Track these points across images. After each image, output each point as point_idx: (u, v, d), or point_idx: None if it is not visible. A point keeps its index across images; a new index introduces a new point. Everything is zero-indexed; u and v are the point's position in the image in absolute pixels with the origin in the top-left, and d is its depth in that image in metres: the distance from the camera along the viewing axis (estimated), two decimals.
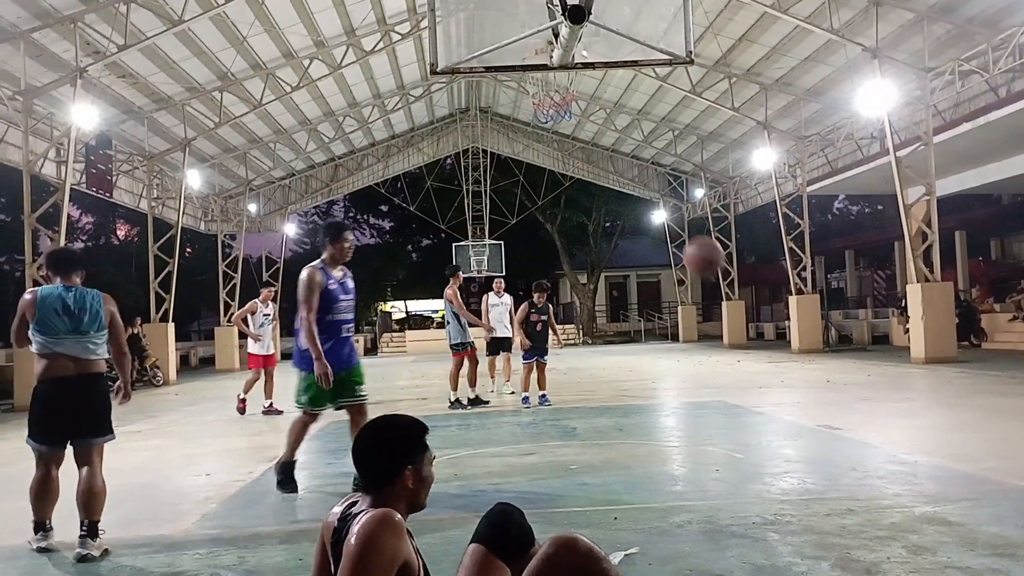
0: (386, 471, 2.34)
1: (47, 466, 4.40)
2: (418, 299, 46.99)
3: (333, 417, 9.84)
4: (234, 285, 25.42)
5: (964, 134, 15.83)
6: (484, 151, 29.95)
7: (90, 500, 4.30)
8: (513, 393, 11.42)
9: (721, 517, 4.35)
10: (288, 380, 10.96)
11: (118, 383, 4.73)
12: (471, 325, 10.75)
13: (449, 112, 28.56)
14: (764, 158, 20.93)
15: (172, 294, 19.69)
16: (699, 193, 27.69)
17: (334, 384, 5.32)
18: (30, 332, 4.41)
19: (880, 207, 40.59)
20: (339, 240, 5.51)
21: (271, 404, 10.72)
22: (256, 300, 11.08)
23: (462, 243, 30.20)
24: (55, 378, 4.37)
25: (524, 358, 10.33)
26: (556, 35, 6.02)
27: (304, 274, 5.37)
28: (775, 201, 21.64)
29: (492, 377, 12.18)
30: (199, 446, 8.28)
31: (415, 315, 47.77)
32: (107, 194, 18.24)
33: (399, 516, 2.22)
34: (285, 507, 5.40)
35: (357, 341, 6.90)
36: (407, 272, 44.62)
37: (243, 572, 3.82)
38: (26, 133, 13.73)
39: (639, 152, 28.48)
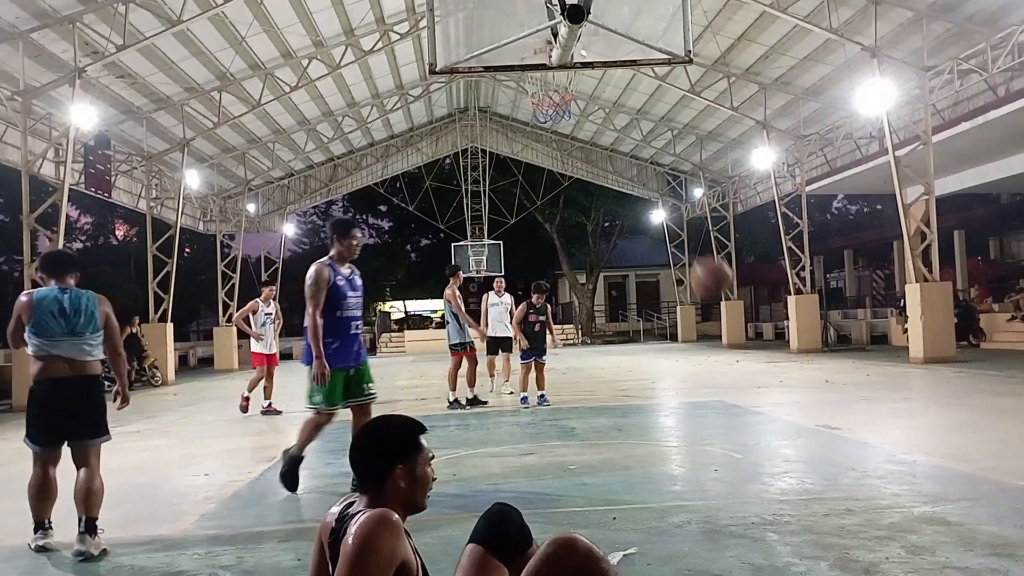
0: (376, 470, 2.34)
1: (44, 466, 4.41)
2: (417, 299, 46.98)
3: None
4: (233, 285, 25.42)
5: (963, 133, 15.84)
6: (483, 151, 29.94)
7: (88, 498, 4.31)
8: (512, 393, 11.42)
9: (720, 517, 4.35)
10: (288, 380, 11.03)
11: (116, 388, 4.73)
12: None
13: (448, 112, 28.56)
14: (763, 157, 20.94)
15: (171, 294, 19.68)
16: (698, 193, 27.70)
17: (344, 381, 5.30)
18: (26, 335, 4.42)
19: (879, 206, 40.65)
20: (347, 237, 5.46)
21: (270, 404, 10.72)
22: (257, 300, 11.07)
23: (461, 243, 30.21)
24: (51, 379, 4.38)
25: (522, 358, 10.34)
26: (555, 35, 6.01)
27: (312, 270, 5.34)
28: (774, 201, 21.66)
29: (492, 376, 12.18)
30: (198, 446, 8.28)
31: (414, 315, 47.76)
32: (106, 194, 18.23)
33: (396, 516, 2.22)
34: (284, 507, 5.39)
35: None
36: (406, 272, 44.62)
37: (242, 572, 3.81)
38: (25, 133, 13.73)
39: (638, 152, 28.49)
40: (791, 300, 20.96)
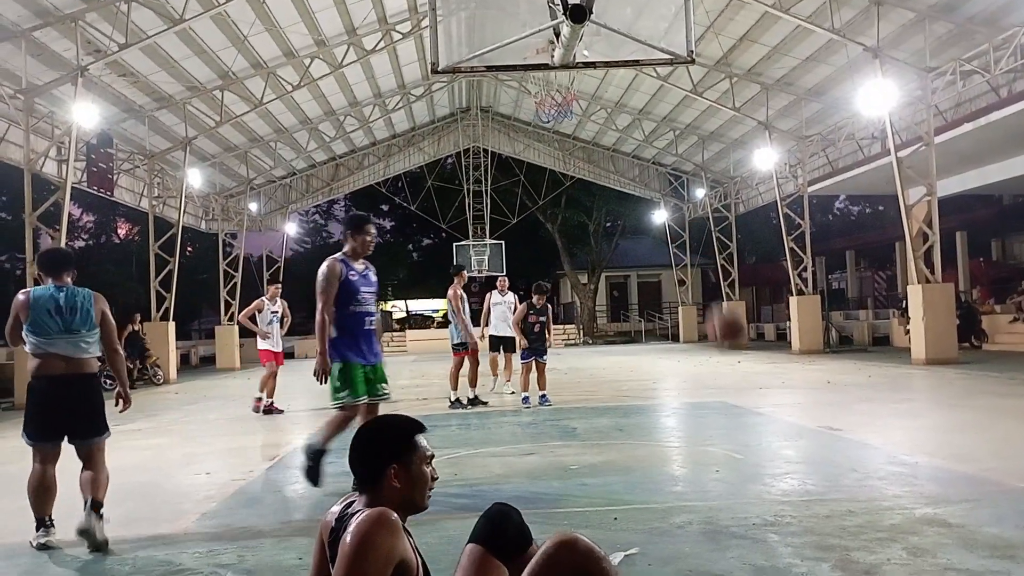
0: (371, 470, 2.35)
1: (44, 463, 4.43)
2: (419, 299, 47.01)
3: (330, 417, 9.87)
4: (235, 284, 25.43)
5: (965, 134, 15.81)
6: (485, 150, 29.94)
7: (92, 484, 4.39)
8: (513, 393, 11.41)
9: (721, 518, 4.34)
10: (289, 379, 11.04)
11: (117, 389, 4.74)
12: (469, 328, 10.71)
13: (450, 111, 28.56)
14: (765, 158, 20.92)
15: (173, 293, 19.70)
16: (700, 193, 27.68)
17: (364, 377, 5.28)
18: (24, 333, 4.46)
19: (881, 207, 40.58)
20: (361, 233, 5.40)
21: (272, 403, 10.72)
22: (263, 298, 11.08)
23: (463, 243, 30.19)
24: (48, 376, 4.42)
25: (522, 358, 10.33)
26: (557, 34, 6.01)
27: (324, 266, 5.30)
28: (776, 201, 21.63)
29: (495, 375, 12.17)
30: (199, 445, 8.28)
31: (415, 315, 47.77)
32: (108, 193, 18.25)
33: (395, 515, 2.22)
34: (285, 506, 5.40)
35: None
36: (408, 271, 44.63)
37: (242, 571, 3.82)
38: (27, 132, 13.74)
39: (640, 152, 28.48)
40: (793, 301, 20.94)
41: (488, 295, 11.90)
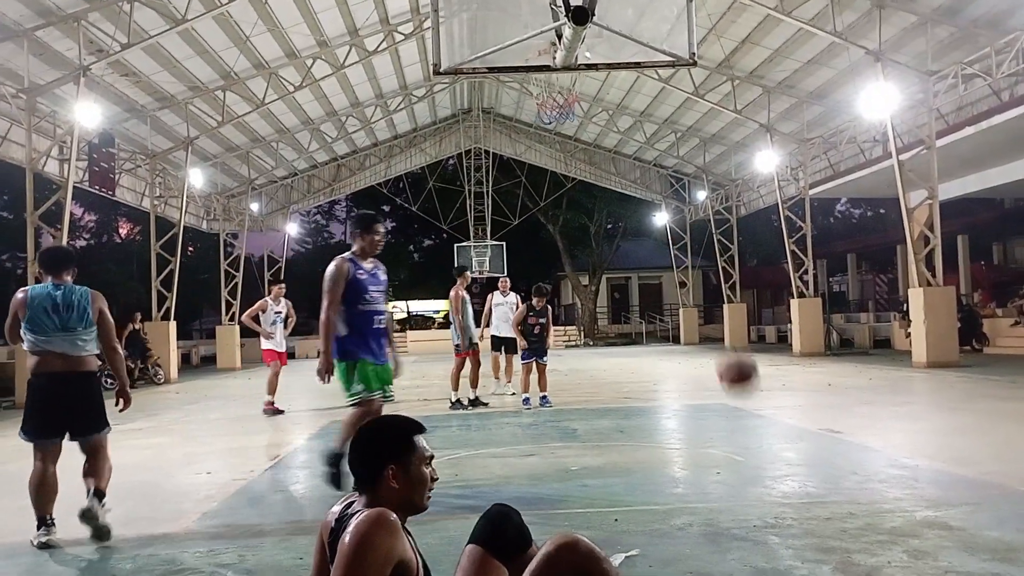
0: (368, 470, 2.35)
1: (44, 461, 4.44)
2: (420, 299, 47.03)
3: (332, 417, 9.87)
4: (236, 284, 25.45)
5: (967, 138, 15.83)
6: (486, 152, 29.97)
7: (95, 473, 4.46)
8: (514, 394, 11.41)
9: (722, 520, 4.34)
10: (290, 380, 11.05)
11: (117, 388, 4.75)
12: (472, 329, 10.73)
13: (452, 112, 28.58)
14: (766, 161, 20.92)
15: (174, 293, 19.71)
16: (701, 195, 27.68)
17: (375, 375, 5.24)
18: (22, 331, 4.49)
19: (882, 210, 40.61)
20: (370, 232, 5.34)
21: (272, 403, 10.71)
22: (267, 298, 11.08)
23: (464, 244, 30.20)
24: (47, 373, 4.46)
25: (522, 359, 10.33)
26: (559, 36, 6.00)
27: (332, 265, 5.22)
28: (777, 204, 21.63)
29: (496, 378, 12.16)
30: (200, 444, 8.28)
31: (416, 315, 47.78)
32: (110, 192, 18.26)
33: (394, 516, 2.22)
34: (285, 506, 5.40)
35: None
36: (409, 272, 44.65)
37: (243, 571, 3.81)
38: (29, 131, 13.75)
39: (641, 154, 28.48)
40: (794, 303, 20.93)
41: (490, 296, 11.91)
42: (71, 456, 4.61)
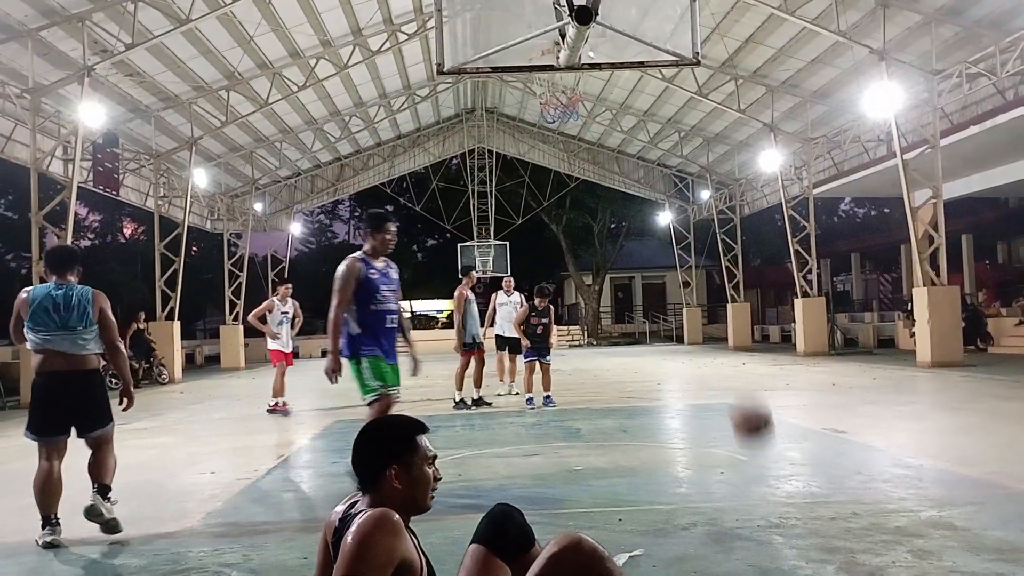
0: (370, 469, 2.35)
1: (48, 459, 4.47)
2: (423, 299, 47.07)
3: (336, 416, 9.89)
4: (240, 284, 25.49)
5: (971, 137, 15.78)
6: (490, 151, 29.97)
7: (99, 468, 4.52)
8: (518, 394, 11.41)
9: (726, 520, 4.34)
10: (293, 380, 11.05)
11: (120, 388, 4.77)
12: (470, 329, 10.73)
13: (455, 112, 28.58)
14: (770, 160, 20.88)
15: (178, 292, 19.72)
16: (705, 195, 27.64)
17: (386, 373, 5.20)
18: (25, 330, 4.54)
19: (886, 210, 40.54)
20: (381, 231, 5.26)
21: (277, 403, 10.72)
22: (274, 298, 11.10)
23: (467, 243, 30.20)
24: (49, 372, 4.49)
25: (525, 358, 10.33)
26: (563, 36, 6.00)
27: (343, 264, 5.17)
28: (781, 203, 21.58)
29: (501, 379, 12.15)
30: (204, 444, 8.30)
31: (420, 315, 47.82)
32: (114, 192, 18.30)
33: (396, 516, 2.22)
34: (290, 505, 5.41)
35: None
36: (412, 272, 44.64)
37: (247, 570, 3.82)
38: (34, 131, 13.78)
39: (645, 153, 28.45)
40: (798, 303, 20.90)
41: (494, 296, 11.91)
42: (76, 455, 4.63)
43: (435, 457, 2.44)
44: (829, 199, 32.75)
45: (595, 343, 32.92)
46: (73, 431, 4.57)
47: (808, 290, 20.80)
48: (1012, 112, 14.57)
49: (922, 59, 15.08)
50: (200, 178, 20.99)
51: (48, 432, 4.49)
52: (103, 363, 4.78)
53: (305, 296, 20.47)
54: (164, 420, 10.59)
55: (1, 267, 35.90)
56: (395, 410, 5.08)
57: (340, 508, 2.43)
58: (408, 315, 45.64)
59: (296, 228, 30.24)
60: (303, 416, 10.43)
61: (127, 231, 42.52)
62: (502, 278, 12.74)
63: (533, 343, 10.18)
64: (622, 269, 39.98)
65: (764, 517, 4.36)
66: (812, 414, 8.98)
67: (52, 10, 12.81)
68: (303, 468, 6.91)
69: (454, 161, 32.70)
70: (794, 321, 22.09)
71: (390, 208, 42.54)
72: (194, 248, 34.98)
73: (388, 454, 2.35)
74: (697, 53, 6.21)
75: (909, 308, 18.95)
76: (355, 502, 2.40)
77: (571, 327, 35.13)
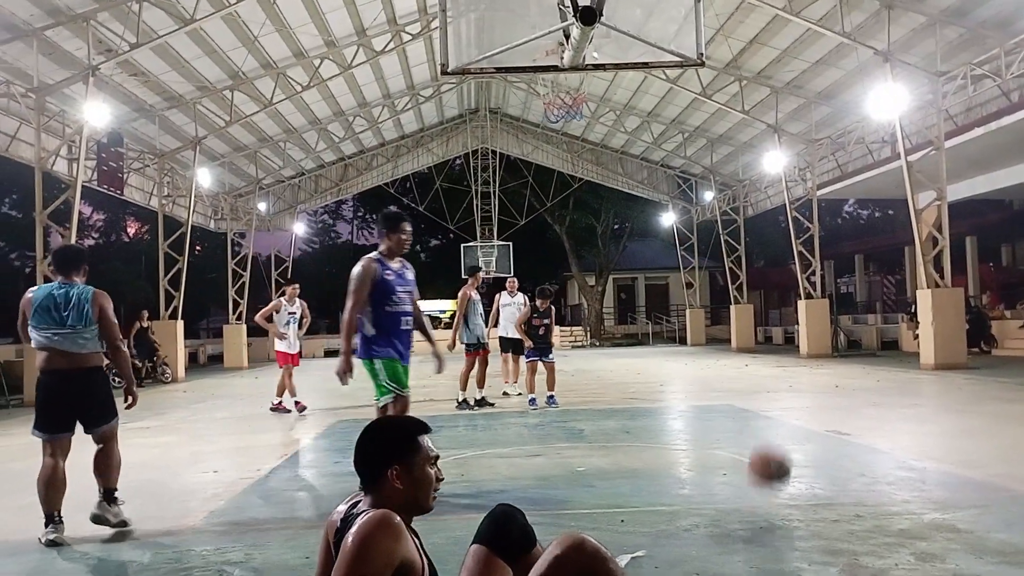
0: (371, 469, 2.35)
1: (53, 456, 4.50)
2: (426, 299, 47.10)
3: (338, 416, 9.90)
4: (243, 283, 25.53)
5: (976, 139, 15.76)
6: (493, 152, 29.96)
7: (105, 469, 4.56)
8: (520, 394, 11.41)
9: (728, 521, 4.34)
10: (299, 379, 11.06)
11: (123, 387, 4.79)
12: (471, 330, 10.73)
13: (459, 112, 28.58)
14: (774, 161, 20.87)
15: (181, 292, 19.76)
16: (708, 196, 27.63)
17: (401, 375, 5.17)
18: (29, 329, 4.60)
19: (890, 211, 40.51)
20: (397, 231, 5.24)
21: (280, 403, 10.74)
22: (282, 299, 11.12)
23: (471, 244, 30.20)
24: (53, 370, 4.54)
25: (526, 357, 10.34)
26: (567, 36, 6.00)
27: (359, 265, 5.12)
28: (785, 204, 21.58)
29: (506, 380, 12.13)
30: (207, 443, 8.31)
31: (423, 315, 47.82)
32: (118, 191, 18.33)
33: (397, 517, 2.21)
34: (292, 505, 5.41)
35: None
36: (415, 272, 44.71)
37: (250, 569, 3.82)
38: (38, 130, 13.81)
39: (648, 154, 28.43)
40: (801, 305, 20.88)
41: (497, 296, 11.90)
42: (80, 453, 4.64)
43: (437, 457, 2.43)
44: (833, 201, 32.72)
45: (598, 344, 32.91)
46: (80, 428, 4.61)
47: (812, 292, 20.77)
48: (1017, 114, 14.55)
49: (926, 60, 15.06)
50: (204, 178, 21.02)
51: (52, 429, 4.53)
52: (106, 361, 4.80)
53: (308, 296, 20.47)
54: (167, 419, 10.60)
55: (6, 266, 35.98)
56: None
57: (342, 507, 2.42)
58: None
59: (300, 228, 30.28)
60: (306, 415, 10.44)
61: (131, 230, 42.61)
62: (505, 279, 12.74)
63: (535, 344, 10.19)
64: (625, 270, 39.96)
65: (767, 519, 4.36)
66: (815, 416, 8.97)
67: (57, 10, 12.84)
68: (306, 467, 6.91)
69: (458, 161, 32.68)
70: (797, 323, 22.05)
71: (393, 208, 42.62)
72: (198, 247, 35.06)
73: (390, 454, 2.35)
74: (701, 54, 6.20)
75: (913, 310, 18.91)
76: (357, 502, 2.40)
77: (574, 328, 35.11)
